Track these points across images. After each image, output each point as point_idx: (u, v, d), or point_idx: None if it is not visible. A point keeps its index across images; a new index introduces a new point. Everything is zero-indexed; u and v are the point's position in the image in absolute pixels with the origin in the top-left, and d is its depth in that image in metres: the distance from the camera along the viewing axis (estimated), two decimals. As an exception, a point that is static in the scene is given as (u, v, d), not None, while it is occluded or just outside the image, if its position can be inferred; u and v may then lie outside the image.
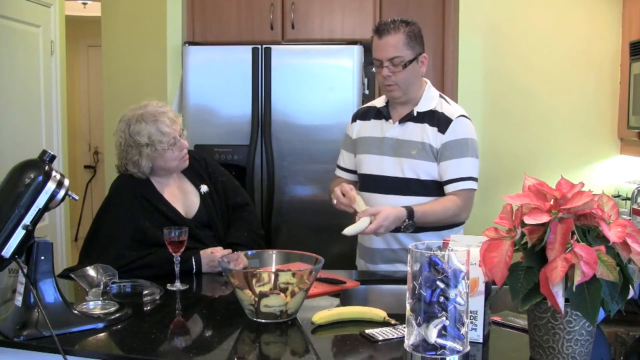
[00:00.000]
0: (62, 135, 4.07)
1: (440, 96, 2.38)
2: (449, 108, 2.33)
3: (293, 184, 3.40)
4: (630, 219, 2.29)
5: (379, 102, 2.46)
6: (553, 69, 3.47)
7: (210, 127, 3.38)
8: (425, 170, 2.30)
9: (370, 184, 2.37)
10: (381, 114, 2.40)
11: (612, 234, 1.29)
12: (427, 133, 2.30)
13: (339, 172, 2.57)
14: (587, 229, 1.34)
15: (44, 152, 1.68)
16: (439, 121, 2.30)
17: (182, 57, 3.47)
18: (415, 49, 2.28)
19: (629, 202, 3.06)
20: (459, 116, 2.30)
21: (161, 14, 3.59)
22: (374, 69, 2.37)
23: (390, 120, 2.37)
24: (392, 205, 2.21)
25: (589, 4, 3.42)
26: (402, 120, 2.34)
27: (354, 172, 2.50)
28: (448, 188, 2.28)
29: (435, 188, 2.31)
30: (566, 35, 3.44)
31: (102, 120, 4.26)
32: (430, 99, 2.35)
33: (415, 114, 2.32)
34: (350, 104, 3.33)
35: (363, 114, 2.49)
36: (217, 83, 3.39)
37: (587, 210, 1.32)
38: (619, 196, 3.24)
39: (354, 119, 2.52)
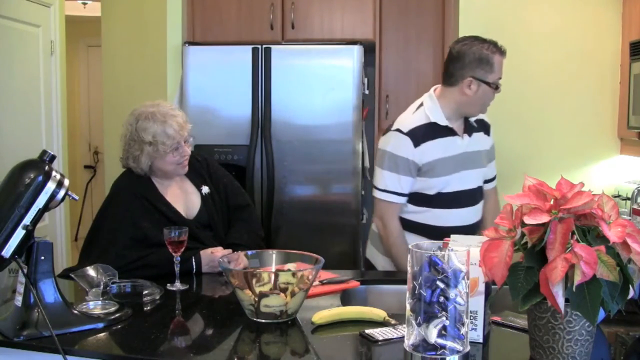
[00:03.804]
0: (62, 135, 4.06)
1: None
2: (482, 114, 2.49)
3: (293, 184, 3.40)
4: (630, 219, 2.29)
5: (436, 118, 2.34)
6: (553, 69, 3.47)
7: (210, 127, 3.38)
8: (486, 176, 2.53)
9: (449, 201, 2.38)
10: (447, 130, 2.35)
11: (612, 234, 1.29)
12: (486, 141, 2.51)
13: (400, 200, 2.37)
14: (587, 229, 1.34)
15: (44, 152, 1.67)
16: (485, 128, 2.50)
17: (182, 57, 3.47)
18: None
19: (629, 202, 3.06)
20: (489, 120, 2.53)
21: (161, 14, 3.59)
22: (488, 83, 2.29)
23: (458, 136, 2.39)
24: (471, 215, 2.43)
25: (588, 4, 3.42)
26: (469, 132, 2.41)
27: (409, 195, 2.40)
28: (490, 185, 2.56)
29: (482, 191, 2.52)
30: (566, 36, 3.44)
31: (102, 120, 4.26)
32: None
33: (475, 124, 2.44)
34: (350, 104, 3.33)
35: (427, 135, 2.34)
36: (217, 83, 3.39)
37: (587, 210, 1.32)
38: (619, 196, 3.24)
39: (418, 143, 2.32)
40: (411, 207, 2.39)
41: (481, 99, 2.32)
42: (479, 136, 2.45)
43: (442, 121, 2.34)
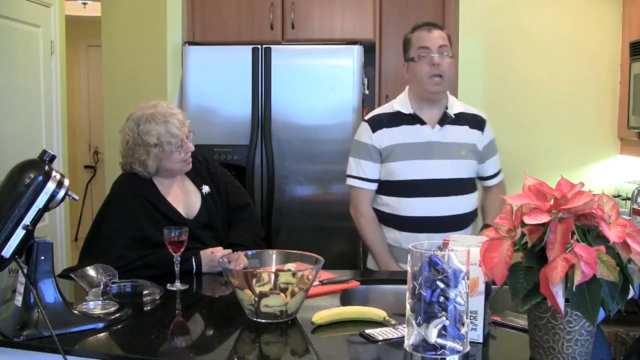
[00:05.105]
0: (62, 135, 4.07)
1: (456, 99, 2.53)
2: (474, 109, 2.52)
3: (293, 184, 3.40)
4: (630, 219, 2.29)
5: (401, 108, 2.43)
6: (553, 69, 3.47)
7: (210, 127, 3.38)
8: (468, 170, 2.45)
9: (419, 189, 2.38)
10: (413, 119, 2.40)
11: (612, 234, 1.29)
12: (472, 135, 2.45)
13: (363, 184, 2.45)
14: (587, 229, 1.33)
15: (44, 152, 1.67)
16: (477, 123, 2.48)
17: (182, 57, 3.47)
18: (451, 50, 2.41)
19: (629, 202, 3.06)
20: (485, 116, 2.53)
21: (161, 14, 3.59)
22: (412, 60, 2.38)
23: (427, 125, 2.40)
24: (439, 206, 2.37)
25: (589, 4, 3.42)
26: (442, 123, 2.40)
27: (377, 181, 2.46)
28: (492, 182, 2.56)
29: (468, 185, 2.47)
30: (566, 36, 3.44)
31: (102, 120, 4.26)
32: (453, 101, 2.48)
33: (452, 116, 2.42)
34: (350, 104, 3.33)
35: (388, 121, 2.43)
36: (217, 83, 3.40)
37: (587, 210, 1.32)
38: (619, 196, 3.24)
39: (375, 128, 2.43)
40: (383, 198, 2.45)
41: (416, 76, 2.38)
42: (455, 128, 2.42)
43: (407, 110, 2.42)
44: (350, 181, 2.49)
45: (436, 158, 2.39)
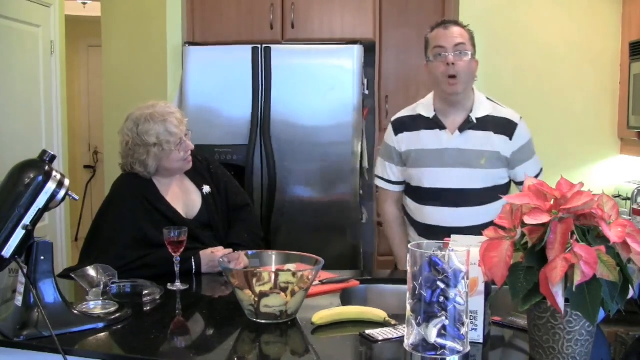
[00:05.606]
0: (62, 135, 4.07)
1: (488, 98, 2.37)
2: (505, 111, 2.34)
3: (293, 184, 3.40)
4: (630, 219, 2.29)
5: (424, 111, 2.35)
6: (553, 69, 3.47)
7: (210, 127, 3.38)
8: (492, 179, 2.31)
9: (433, 198, 2.32)
10: (433, 123, 2.32)
11: (612, 234, 1.29)
12: (495, 141, 2.29)
13: (386, 186, 2.47)
14: (587, 229, 1.33)
15: (44, 152, 1.67)
16: (505, 128, 2.30)
17: (182, 57, 3.47)
18: (474, 49, 2.28)
19: (629, 202, 3.07)
20: (520, 119, 2.34)
21: (161, 14, 3.59)
22: (429, 60, 2.27)
23: (447, 130, 2.30)
24: (454, 217, 2.28)
25: (589, 4, 3.42)
26: (462, 129, 2.29)
27: (402, 183, 2.45)
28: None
29: (490, 194, 2.30)
30: (566, 36, 3.45)
31: (102, 120, 4.26)
32: (480, 103, 2.32)
33: (474, 121, 2.29)
34: (350, 104, 3.33)
35: (410, 125, 2.37)
36: (217, 83, 3.39)
37: (587, 210, 1.32)
38: (619, 196, 3.24)
39: (398, 131, 2.39)
40: (407, 199, 2.45)
41: (432, 76, 2.28)
42: (477, 134, 2.28)
43: (429, 113, 2.33)
44: (376, 181, 2.53)
45: (451, 166, 2.29)
